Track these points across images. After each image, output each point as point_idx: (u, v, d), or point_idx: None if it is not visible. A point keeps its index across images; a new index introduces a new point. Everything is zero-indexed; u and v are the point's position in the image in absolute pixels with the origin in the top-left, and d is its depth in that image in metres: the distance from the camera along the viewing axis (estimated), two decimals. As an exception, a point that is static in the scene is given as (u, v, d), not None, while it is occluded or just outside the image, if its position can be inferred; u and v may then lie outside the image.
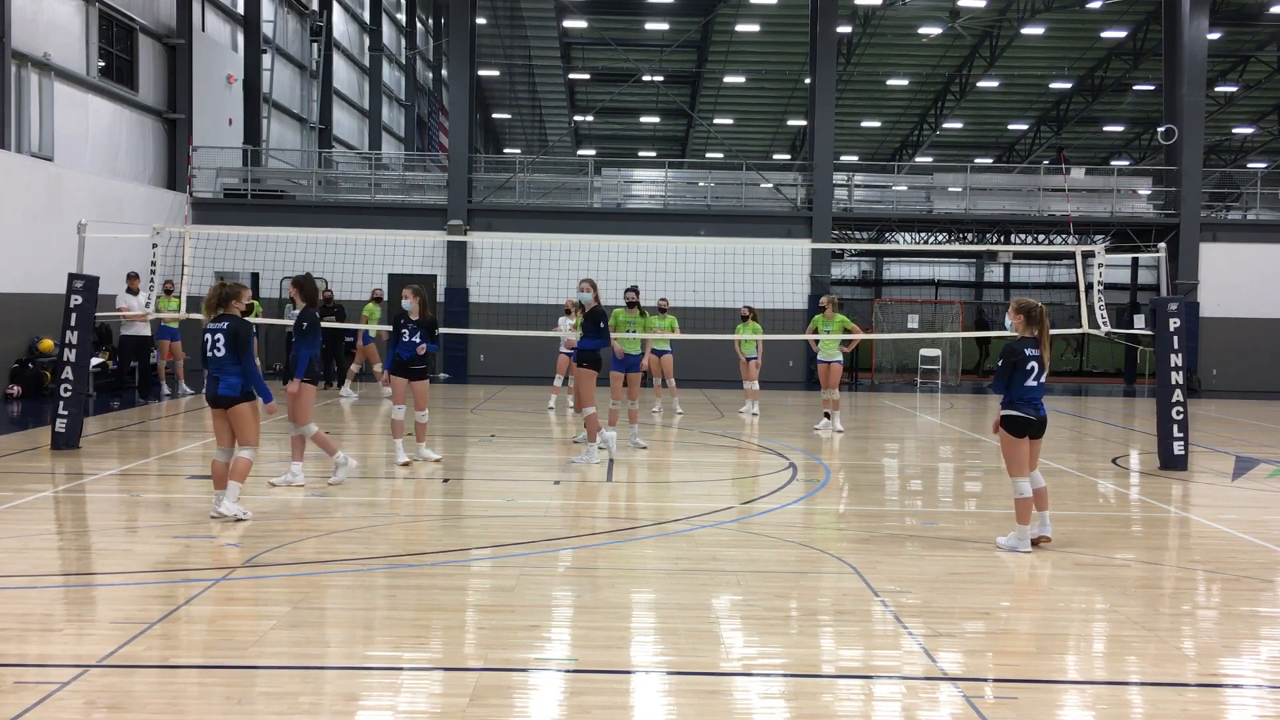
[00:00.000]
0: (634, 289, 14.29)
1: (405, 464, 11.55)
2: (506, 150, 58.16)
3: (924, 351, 27.70)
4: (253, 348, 8.73)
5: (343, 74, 37.24)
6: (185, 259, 15.20)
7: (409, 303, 11.59)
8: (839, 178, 28.21)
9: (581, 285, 12.23)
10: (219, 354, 8.56)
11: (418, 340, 11.45)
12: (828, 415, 15.75)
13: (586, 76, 47.25)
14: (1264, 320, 26.35)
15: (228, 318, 8.66)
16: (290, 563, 7.40)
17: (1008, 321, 8.34)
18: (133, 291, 18.19)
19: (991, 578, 7.41)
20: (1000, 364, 8.10)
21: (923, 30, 38.43)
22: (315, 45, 33.96)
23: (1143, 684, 5.46)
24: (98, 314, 12.74)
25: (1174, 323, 12.58)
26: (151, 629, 5.84)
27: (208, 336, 8.63)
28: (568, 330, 17.49)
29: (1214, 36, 33.56)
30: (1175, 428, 12.54)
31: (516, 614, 6.29)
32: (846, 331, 15.55)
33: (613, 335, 13.22)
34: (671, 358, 17.90)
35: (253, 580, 6.97)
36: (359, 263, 22.40)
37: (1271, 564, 8.07)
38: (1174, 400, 12.52)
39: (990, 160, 53.42)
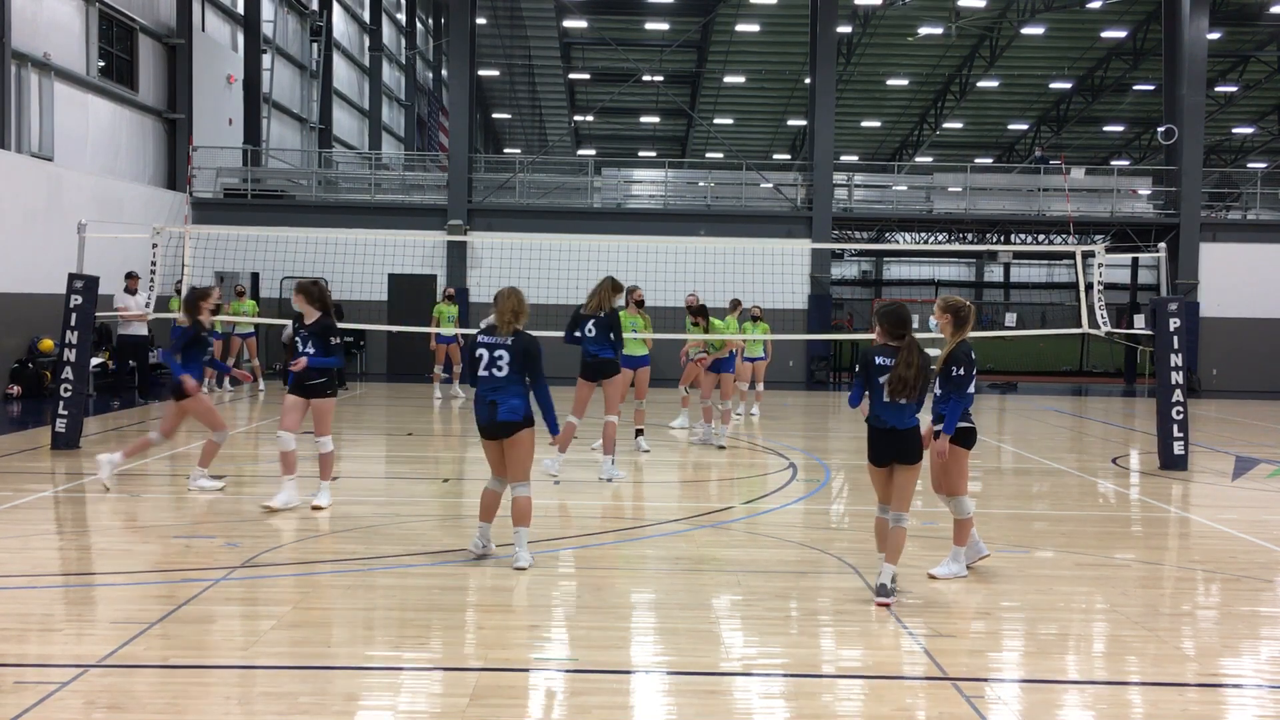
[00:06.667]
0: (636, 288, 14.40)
1: (317, 508, 9.01)
2: (506, 150, 58.16)
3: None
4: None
5: (343, 74, 37.23)
6: (185, 259, 15.20)
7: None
8: (839, 178, 28.20)
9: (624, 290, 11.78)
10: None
11: (311, 351, 8.82)
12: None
13: (586, 76, 47.24)
14: (1264, 320, 26.34)
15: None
16: (290, 563, 7.40)
17: (932, 322, 7.14)
18: (131, 291, 18.17)
19: (991, 578, 7.41)
20: (964, 371, 7.08)
21: (923, 30, 38.43)
22: (315, 45, 33.94)
23: (1143, 684, 5.47)
24: (98, 314, 12.74)
25: (1174, 323, 12.58)
26: (151, 629, 5.84)
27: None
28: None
29: (1214, 36, 33.54)
30: (1175, 428, 12.54)
31: (516, 614, 6.30)
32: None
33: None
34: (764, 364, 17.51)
35: (253, 580, 6.97)
36: (359, 263, 22.39)
37: (1271, 564, 8.07)
38: (1174, 400, 12.52)
39: (990, 160, 53.40)
